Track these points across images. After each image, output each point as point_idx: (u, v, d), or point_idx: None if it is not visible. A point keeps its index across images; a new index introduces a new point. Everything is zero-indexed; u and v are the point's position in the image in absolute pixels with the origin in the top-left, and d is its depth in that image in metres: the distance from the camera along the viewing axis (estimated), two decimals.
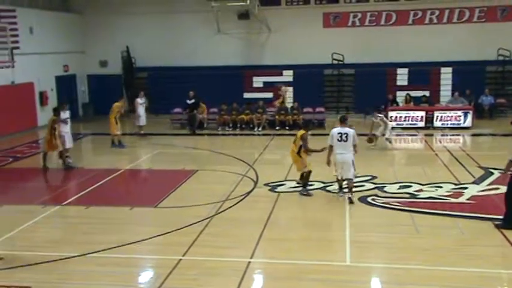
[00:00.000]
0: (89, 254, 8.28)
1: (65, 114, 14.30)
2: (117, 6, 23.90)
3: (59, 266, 7.93)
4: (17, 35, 19.24)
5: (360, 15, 23.13)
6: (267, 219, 9.84)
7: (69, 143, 14.34)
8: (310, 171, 11.44)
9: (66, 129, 14.25)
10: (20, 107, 19.97)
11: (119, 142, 17.02)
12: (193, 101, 20.31)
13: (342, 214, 10.08)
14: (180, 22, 23.88)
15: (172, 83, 22.89)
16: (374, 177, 12.55)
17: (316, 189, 11.82)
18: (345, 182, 11.02)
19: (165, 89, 22.98)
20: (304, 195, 11.38)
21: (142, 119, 19.14)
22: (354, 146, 10.75)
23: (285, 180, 12.56)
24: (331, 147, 10.76)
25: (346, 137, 10.60)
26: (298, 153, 11.35)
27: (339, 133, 10.67)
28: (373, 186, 11.89)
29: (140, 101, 19.22)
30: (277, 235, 9.12)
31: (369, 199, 10.93)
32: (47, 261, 8.01)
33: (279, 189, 11.90)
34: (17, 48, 18.93)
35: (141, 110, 19.12)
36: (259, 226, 9.41)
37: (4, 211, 10.81)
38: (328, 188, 11.80)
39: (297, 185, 11.95)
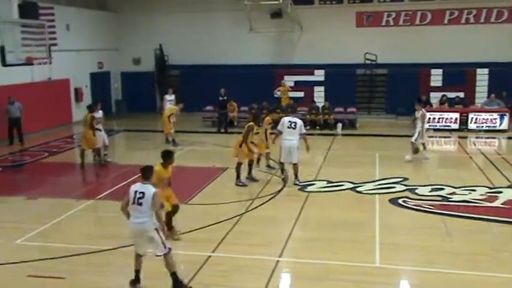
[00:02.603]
0: (120, 247, 8.44)
1: (98, 114, 14.53)
2: (151, 5, 24.23)
3: (92, 259, 8.12)
4: (54, 32, 19.70)
5: (394, 14, 22.83)
6: (296, 218, 9.84)
7: (103, 141, 14.57)
8: (240, 164, 12.08)
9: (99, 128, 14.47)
10: (56, 103, 20.49)
11: (173, 141, 17.18)
12: (225, 98, 20.47)
13: (372, 215, 10.00)
14: (212, 20, 24.05)
15: (204, 81, 23.09)
16: (405, 179, 12.39)
17: (346, 189, 11.76)
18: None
19: (196, 87, 23.18)
20: (239, 185, 11.99)
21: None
22: (301, 135, 12.03)
23: (315, 180, 12.52)
24: (280, 132, 12.08)
25: (295, 125, 11.97)
26: (242, 142, 11.94)
27: (289, 121, 12.03)
28: (404, 188, 11.74)
29: (169, 97, 19.39)
30: (306, 235, 9.12)
31: (400, 201, 10.80)
32: (81, 254, 8.22)
33: (308, 188, 11.86)
34: (55, 45, 19.39)
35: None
36: (289, 225, 9.42)
37: (40, 204, 11.11)
38: (358, 189, 11.72)
39: (326, 184, 12.03)
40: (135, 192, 6.86)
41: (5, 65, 13.46)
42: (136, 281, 7.06)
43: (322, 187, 11.99)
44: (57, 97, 20.67)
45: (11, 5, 13.72)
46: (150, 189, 6.86)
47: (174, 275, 6.93)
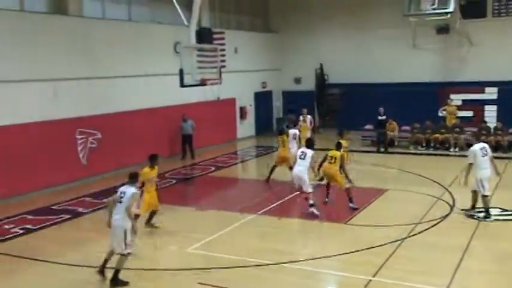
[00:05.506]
0: (280, 263, 8.61)
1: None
2: (312, 26, 24.66)
3: (253, 272, 8.39)
4: (224, 55, 21.07)
5: None
6: (465, 247, 9.08)
7: None
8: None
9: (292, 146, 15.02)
10: (223, 121, 21.90)
11: None
12: (384, 117, 19.93)
13: None
14: (373, 38, 23.63)
15: (364, 100, 22.72)
16: None
17: None
18: None
19: (356, 106, 22.96)
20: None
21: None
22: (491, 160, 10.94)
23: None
24: (471, 165, 10.91)
25: (486, 151, 10.90)
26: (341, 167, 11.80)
27: (480, 148, 10.92)
28: None
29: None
30: (478, 266, 8.37)
31: None
32: (242, 266, 8.56)
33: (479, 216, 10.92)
34: (224, 66, 20.74)
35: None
36: (457, 254, 8.73)
37: (207, 215, 11.86)
38: None
39: (500, 211, 10.99)
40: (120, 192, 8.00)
41: (182, 85, 14.70)
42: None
43: (495, 215, 10.93)
44: (224, 115, 22.07)
45: (189, 31, 15.00)
46: (130, 190, 7.98)
47: (117, 271, 7.83)
